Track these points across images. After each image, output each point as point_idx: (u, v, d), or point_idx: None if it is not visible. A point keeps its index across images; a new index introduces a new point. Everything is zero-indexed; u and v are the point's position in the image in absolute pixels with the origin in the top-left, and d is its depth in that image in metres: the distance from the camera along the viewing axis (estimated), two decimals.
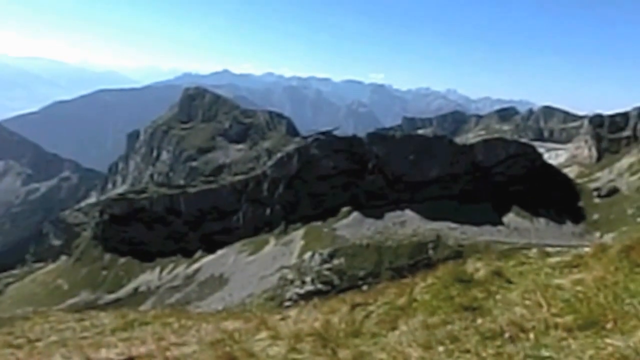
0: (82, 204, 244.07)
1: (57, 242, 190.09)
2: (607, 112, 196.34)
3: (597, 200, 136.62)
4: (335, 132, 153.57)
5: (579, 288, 5.73)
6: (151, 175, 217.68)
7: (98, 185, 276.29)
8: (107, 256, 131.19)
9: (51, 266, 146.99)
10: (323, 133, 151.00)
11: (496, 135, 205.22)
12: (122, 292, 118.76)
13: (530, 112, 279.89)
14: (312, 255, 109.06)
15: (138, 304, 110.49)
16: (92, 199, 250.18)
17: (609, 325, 4.47)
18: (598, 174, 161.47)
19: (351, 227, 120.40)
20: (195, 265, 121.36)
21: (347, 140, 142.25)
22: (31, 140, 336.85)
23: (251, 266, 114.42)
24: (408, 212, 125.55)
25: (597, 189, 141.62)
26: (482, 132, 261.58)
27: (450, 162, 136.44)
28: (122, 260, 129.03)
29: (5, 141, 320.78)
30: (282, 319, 8.78)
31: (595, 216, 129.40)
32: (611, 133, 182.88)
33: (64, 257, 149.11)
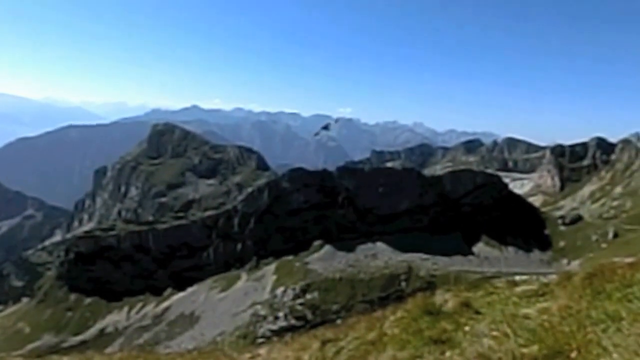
0: (47, 242, 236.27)
1: (18, 283, 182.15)
2: (567, 142, 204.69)
3: (562, 227, 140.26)
4: (305, 167, 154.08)
5: (544, 317, 5.80)
6: (119, 212, 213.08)
7: (63, 223, 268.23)
8: (73, 296, 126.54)
9: (11, 309, 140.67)
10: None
11: (463, 167, 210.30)
12: (87, 334, 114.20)
13: (495, 143, 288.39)
14: (285, 290, 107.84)
15: (105, 346, 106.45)
16: (57, 238, 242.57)
17: (573, 355, 4.54)
18: (562, 202, 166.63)
19: (323, 260, 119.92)
20: (165, 304, 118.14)
21: (317, 174, 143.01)
22: None
23: (223, 303, 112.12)
24: (379, 245, 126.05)
25: (561, 217, 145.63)
26: (449, 164, 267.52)
27: (419, 194, 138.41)
28: (88, 300, 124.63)
29: None
30: (252, 357, 8.76)
31: (562, 243, 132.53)
32: (572, 162, 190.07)
33: (25, 299, 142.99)
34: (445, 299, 7.91)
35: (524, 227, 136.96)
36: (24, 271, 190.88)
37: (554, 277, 8.72)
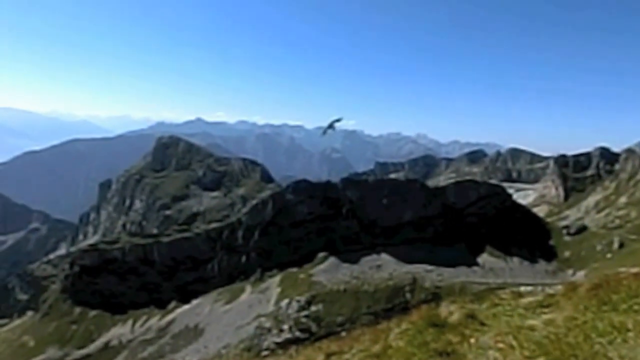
0: (52, 256, 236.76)
1: (23, 297, 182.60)
2: (571, 152, 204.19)
3: (567, 238, 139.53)
4: (309, 179, 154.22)
5: (550, 329, 5.77)
6: (124, 225, 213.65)
7: (68, 236, 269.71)
8: (77, 310, 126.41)
9: (16, 322, 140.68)
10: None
11: (467, 178, 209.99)
12: (92, 347, 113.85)
13: (498, 154, 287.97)
14: (289, 303, 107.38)
15: (109, 359, 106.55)
16: (62, 251, 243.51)
17: None
18: (566, 212, 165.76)
19: (327, 272, 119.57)
20: (169, 317, 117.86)
21: (321, 186, 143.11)
22: None
23: (227, 316, 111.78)
24: (384, 256, 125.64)
25: (566, 227, 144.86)
26: (453, 175, 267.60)
27: (423, 205, 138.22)
28: (93, 313, 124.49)
29: None
30: None
31: (567, 254, 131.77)
32: (576, 172, 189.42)
33: (30, 313, 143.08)
34: (450, 310, 7.87)
35: (529, 238, 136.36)
36: (28, 284, 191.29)
37: (559, 288, 8.68)
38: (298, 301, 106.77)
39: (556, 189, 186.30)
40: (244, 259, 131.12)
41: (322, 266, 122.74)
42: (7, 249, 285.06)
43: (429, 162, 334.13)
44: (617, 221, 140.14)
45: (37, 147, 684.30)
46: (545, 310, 7.17)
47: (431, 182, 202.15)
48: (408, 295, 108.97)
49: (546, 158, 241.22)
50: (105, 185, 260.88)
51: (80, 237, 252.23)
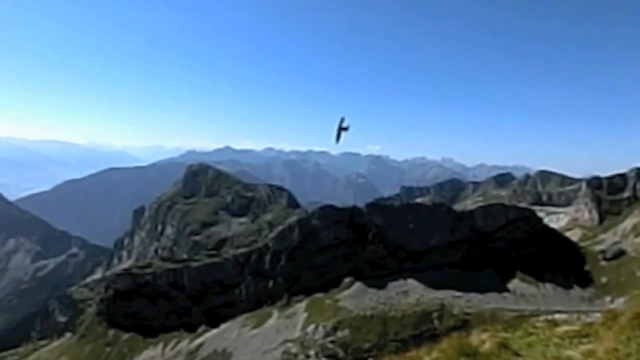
0: (88, 279, 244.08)
1: (62, 319, 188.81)
2: (604, 174, 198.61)
3: (603, 263, 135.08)
4: (335, 204, 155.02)
5: None
6: (155, 250, 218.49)
7: (104, 261, 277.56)
8: (111, 332, 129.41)
9: (55, 343, 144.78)
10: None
11: (494, 201, 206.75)
12: None
13: (527, 177, 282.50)
14: (316, 328, 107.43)
15: None
16: (98, 275, 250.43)
17: None
18: (602, 236, 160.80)
19: (354, 298, 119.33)
20: (199, 340, 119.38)
21: (347, 211, 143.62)
22: (42, 218, 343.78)
23: (254, 340, 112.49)
24: (411, 281, 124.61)
25: (602, 252, 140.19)
26: (480, 199, 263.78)
27: (450, 230, 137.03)
28: (126, 336, 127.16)
29: (17, 219, 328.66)
30: None
31: (604, 279, 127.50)
32: (610, 195, 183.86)
33: (68, 334, 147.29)
34: (481, 339, 7.64)
35: (562, 263, 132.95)
36: (67, 307, 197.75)
37: (597, 316, 8.30)
38: (324, 327, 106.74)
39: (590, 212, 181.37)
40: (271, 283, 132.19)
41: (348, 291, 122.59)
42: (49, 272, 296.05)
43: (455, 186, 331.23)
44: None
45: (77, 176, 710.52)
46: (584, 340, 6.89)
47: (458, 206, 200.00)
48: (436, 322, 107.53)
49: (578, 180, 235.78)
50: (138, 212, 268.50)
51: (115, 261, 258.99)
